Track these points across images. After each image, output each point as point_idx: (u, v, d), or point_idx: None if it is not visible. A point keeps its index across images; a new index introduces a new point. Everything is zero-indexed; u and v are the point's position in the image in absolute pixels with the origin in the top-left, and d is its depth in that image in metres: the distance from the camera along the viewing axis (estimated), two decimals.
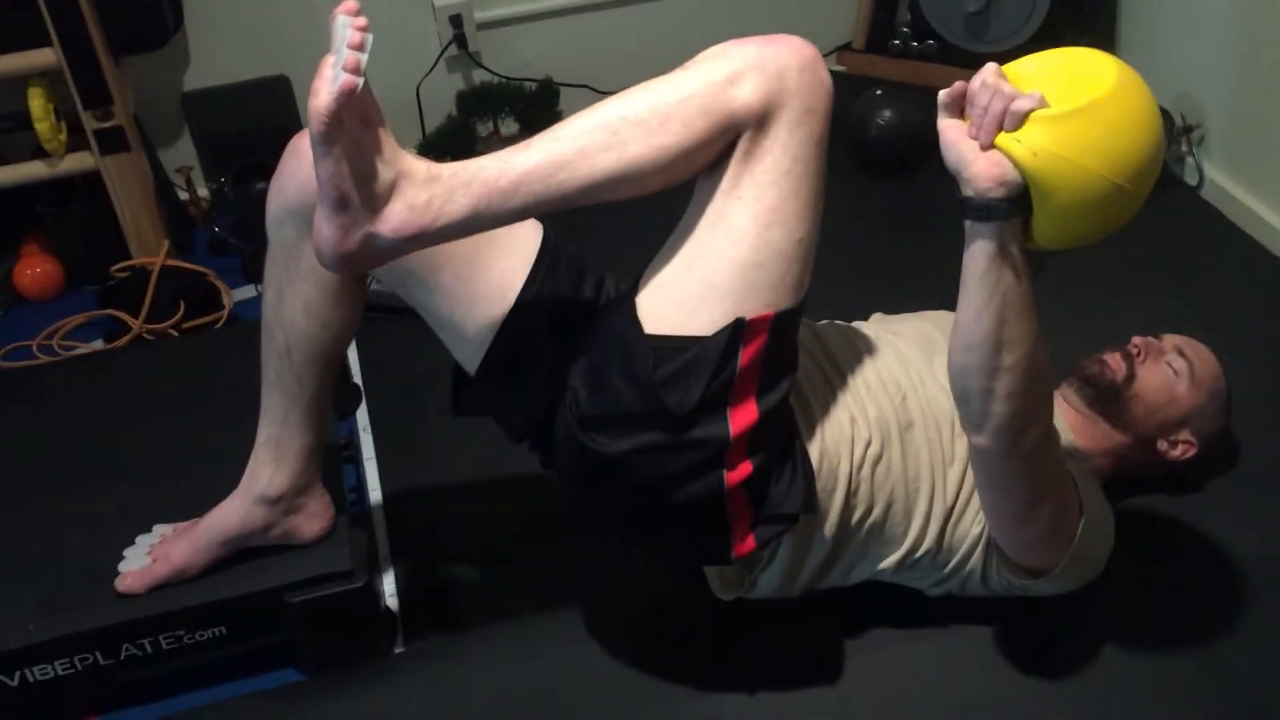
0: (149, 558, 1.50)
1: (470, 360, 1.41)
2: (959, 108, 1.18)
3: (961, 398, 1.29)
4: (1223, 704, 1.46)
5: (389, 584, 1.70)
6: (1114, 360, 1.65)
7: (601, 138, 1.18)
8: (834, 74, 2.91)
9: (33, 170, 2.29)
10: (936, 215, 2.51)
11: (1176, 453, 1.66)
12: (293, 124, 2.65)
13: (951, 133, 1.17)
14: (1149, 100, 1.16)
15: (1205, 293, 2.19)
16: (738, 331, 1.26)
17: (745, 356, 1.27)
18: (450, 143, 2.67)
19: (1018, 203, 1.15)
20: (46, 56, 2.16)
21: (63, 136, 2.25)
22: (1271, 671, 1.49)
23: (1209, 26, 2.40)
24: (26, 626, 1.45)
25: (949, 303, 1.83)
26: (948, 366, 1.30)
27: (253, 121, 2.61)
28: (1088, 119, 1.11)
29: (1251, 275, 2.25)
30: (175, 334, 2.22)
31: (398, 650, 1.60)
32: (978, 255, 1.18)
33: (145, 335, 2.21)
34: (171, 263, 2.34)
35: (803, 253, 1.28)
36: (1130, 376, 1.63)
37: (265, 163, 2.45)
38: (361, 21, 1.09)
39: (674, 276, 1.28)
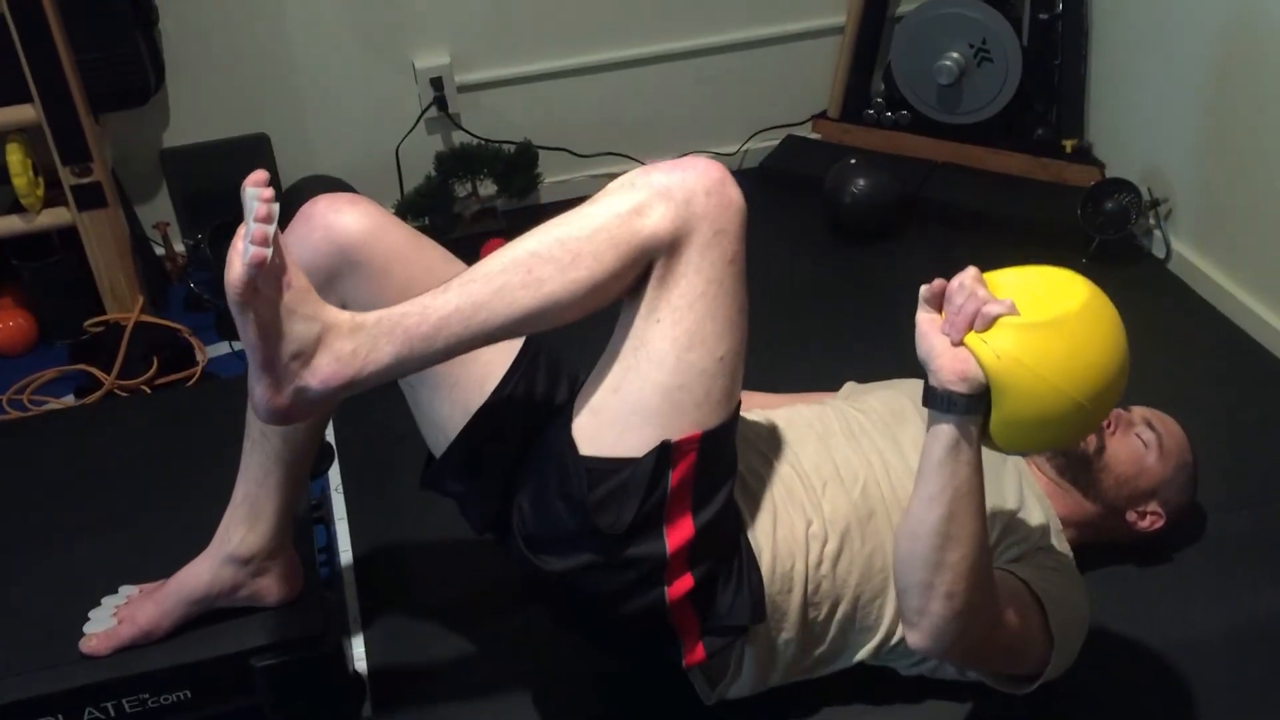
0: (114, 619, 1.48)
1: (437, 445, 1.45)
2: (938, 303, 1.23)
3: (902, 588, 1.30)
4: None
5: (358, 647, 1.68)
6: None
7: (516, 277, 1.20)
8: (809, 141, 3.00)
9: (8, 224, 2.28)
10: (909, 282, 2.53)
11: (1145, 524, 1.67)
12: (272, 183, 2.66)
13: (925, 325, 1.22)
14: (1116, 327, 1.22)
15: (1171, 365, 2.21)
16: (665, 454, 1.29)
17: (675, 477, 1.30)
18: (428, 203, 2.68)
19: (978, 400, 1.18)
20: (26, 113, 2.16)
21: (40, 191, 2.25)
22: None
23: (1177, 101, 2.45)
24: None
25: (921, 370, 1.86)
26: (893, 553, 1.31)
27: (231, 179, 2.55)
28: (1052, 332, 1.17)
29: (1217, 348, 2.28)
30: (148, 390, 2.21)
31: (366, 715, 1.59)
32: (935, 444, 1.22)
33: (117, 391, 2.20)
34: (146, 319, 2.34)
35: (726, 369, 1.30)
36: (1100, 447, 1.65)
37: (242, 221, 2.46)
38: (267, 194, 1.12)
39: (603, 399, 1.31)
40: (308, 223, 1.39)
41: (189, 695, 1.48)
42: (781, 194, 2.88)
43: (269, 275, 1.14)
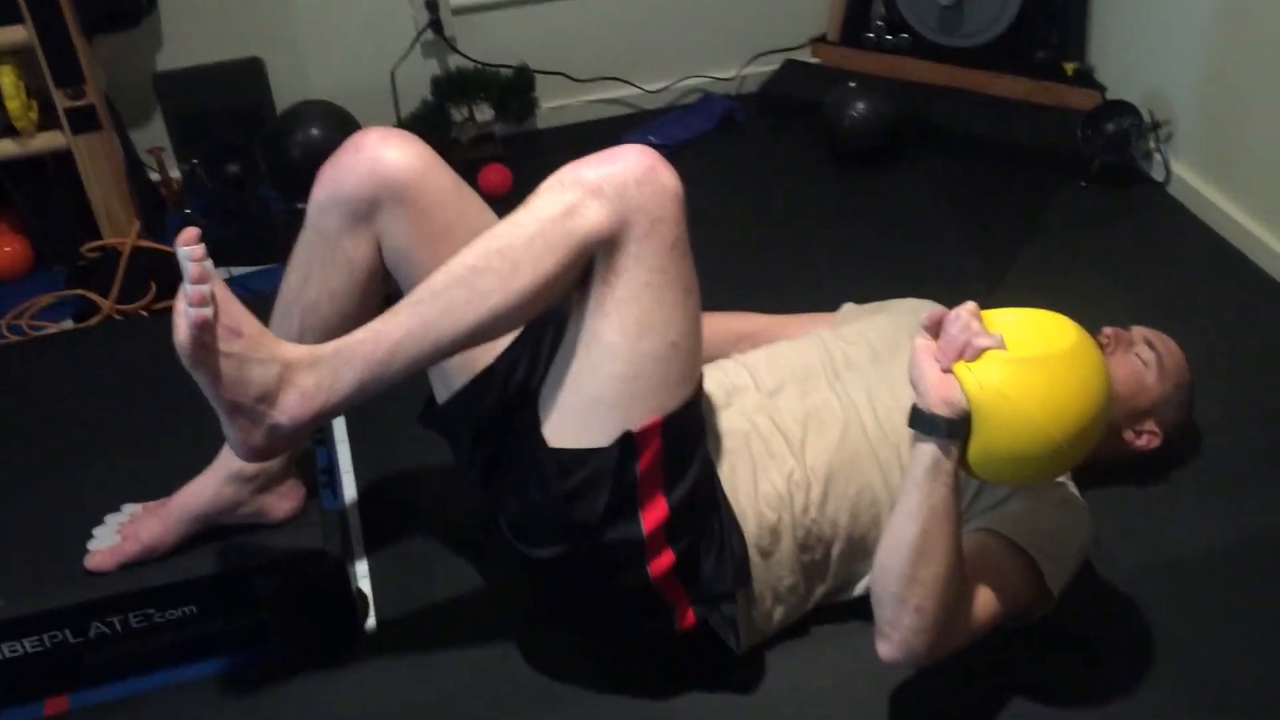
0: (118, 536, 1.50)
1: (439, 392, 1.48)
2: (935, 331, 1.28)
3: (876, 600, 1.33)
4: (1186, 690, 1.48)
5: (362, 565, 1.70)
6: None
7: (460, 293, 1.22)
8: (808, 66, 2.97)
9: (2, 148, 2.26)
10: (908, 205, 2.53)
11: (1142, 442, 1.68)
12: (266, 107, 2.65)
13: (920, 351, 1.27)
14: (1099, 373, 1.26)
15: (1170, 286, 2.22)
16: (628, 444, 1.30)
17: (643, 463, 1.32)
18: (425, 126, 2.66)
19: (959, 426, 1.23)
20: (18, 34, 2.14)
21: (33, 115, 2.23)
22: (1234, 657, 1.52)
23: (1180, 24, 2.42)
24: None
25: (921, 290, 1.87)
26: (873, 566, 1.34)
27: (225, 103, 2.60)
28: (1036, 368, 1.22)
29: (1216, 270, 2.28)
30: (145, 314, 2.21)
31: (369, 630, 1.61)
32: (917, 463, 1.26)
33: (115, 315, 2.20)
34: (142, 243, 2.33)
35: (680, 353, 1.31)
36: None
37: (238, 144, 2.45)
38: (198, 252, 1.14)
39: (565, 394, 1.32)
40: (356, 153, 1.39)
41: (194, 610, 1.49)
42: (780, 119, 2.86)
43: (217, 329, 1.16)
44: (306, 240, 1.43)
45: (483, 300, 1.22)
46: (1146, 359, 1.67)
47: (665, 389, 1.31)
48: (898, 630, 1.30)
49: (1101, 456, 1.70)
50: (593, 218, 1.23)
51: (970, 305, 1.27)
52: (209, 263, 1.15)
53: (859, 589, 1.54)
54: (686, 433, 1.37)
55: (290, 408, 1.22)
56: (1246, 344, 2.07)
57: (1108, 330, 1.70)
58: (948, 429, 1.23)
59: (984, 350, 1.23)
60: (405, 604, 1.64)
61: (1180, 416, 1.72)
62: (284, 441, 1.26)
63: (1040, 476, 1.32)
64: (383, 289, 1.45)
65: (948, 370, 1.24)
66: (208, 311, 1.14)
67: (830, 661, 1.53)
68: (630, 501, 1.33)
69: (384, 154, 1.38)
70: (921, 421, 1.25)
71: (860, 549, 1.50)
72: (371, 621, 1.62)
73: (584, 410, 1.32)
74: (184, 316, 1.15)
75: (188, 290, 1.14)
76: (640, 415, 1.31)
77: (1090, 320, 1.75)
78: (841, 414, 1.51)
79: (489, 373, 1.43)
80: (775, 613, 1.51)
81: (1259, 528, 1.70)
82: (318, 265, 1.42)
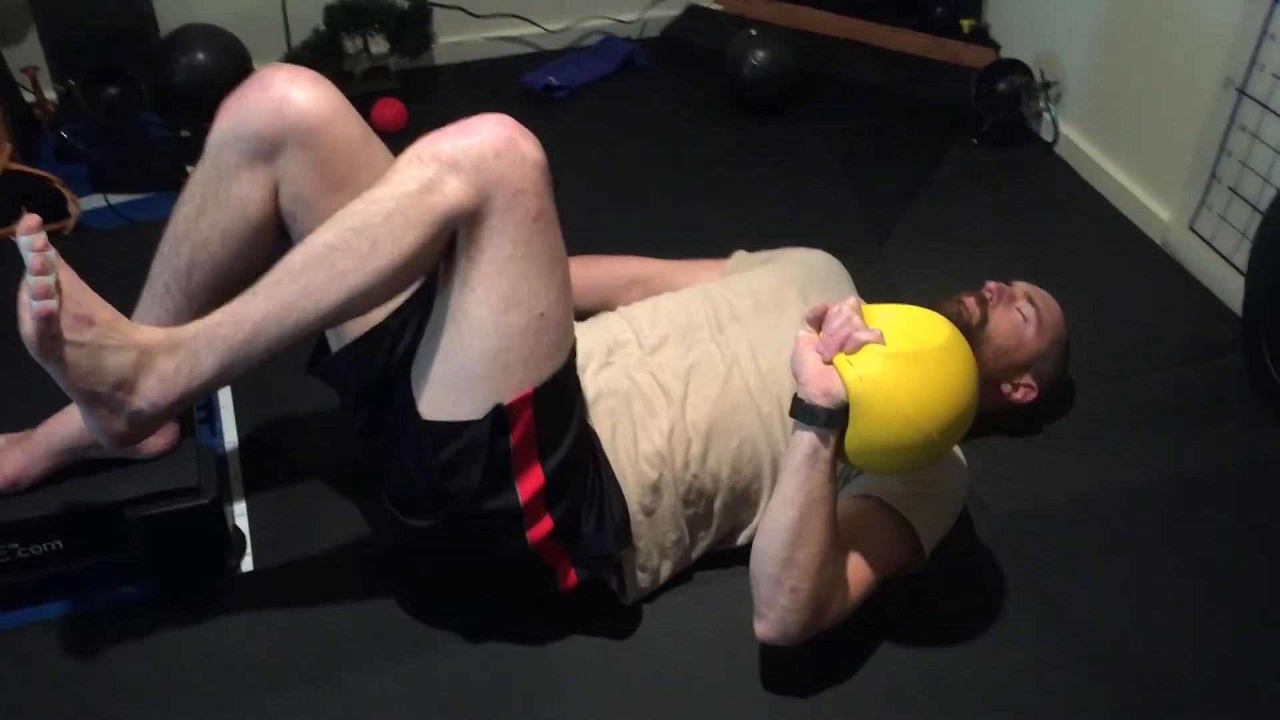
0: None
1: (333, 340, 1.46)
2: (818, 324, 1.31)
3: (754, 579, 1.36)
4: (1046, 629, 1.53)
5: (239, 506, 1.66)
6: (970, 303, 1.70)
7: (320, 273, 1.20)
8: (711, 11, 2.95)
9: None
10: (804, 154, 2.55)
11: (1018, 395, 1.72)
12: (149, 28, 2.55)
13: (802, 342, 1.30)
14: (969, 369, 1.31)
15: (1053, 244, 2.28)
16: (500, 417, 1.30)
17: (515, 435, 1.31)
18: (316, 56, 2.59)
19: (837, 415, 1.27)
20: None
21: None
22: (1091, 599, 1.57)
23: None
24: None
25: (814, 240, 1.88)
26: (752, 548, 1.36)
27: (106, 23, 2.49)
28: (911, 363, 1.26)
29: (1097, 229, 2.34)
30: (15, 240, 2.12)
31: (245, 570, 1.58)
32: (796, 451, 1.30)
33: None
34: (14, 167, 2.23)
35: (549, 324, 1.30)
36: (983, 320, 1.68)
37: (118, 67, 2.35)
38: (40, 242, 1.10)
39: (436, 368, 1.31)
40: (264, 90, 1.35)
41: (59, 546, 1.45)
42: (681, 64, 2.85)
43: (66, 320, 1.13)
44: (203, 174, 1.38)
45: (343, 280, 1.20)
46: (1027, 314, 1.70)
47: (535, 360, 1.31)
48: (774, 610, 1.34)
49: (979, 409, 1.75)
50: (451, 193, 1.21)
51: (852, 300, 1.29)
52: (51, 252, 1.11)
53: (742, 539, 1.56)
54: (560, 400, 1.37)
55: (150, 393, 1.19)
56: (1120, 301, 2.13)
57: (991, 285, 1.73)
58: (826, 419, 1.26)
59: (864, 344, 1.26)
60: (283, 547, 1.61)
61: (1056, 372, 1.76)
62: (148, 427, 1.23)
63: (912, 466, 1.35)
64: (277, 233, 1.41)
65: (829, 362, 1.27)
66: (52, 304, 1.11)
67: (712, 608, 1.54)
68: (505, 472, 1.33)
69: (292, 94, 1.34)
70: (801, 411, 1.28)
71: (743, 500, 1.52)
72: (248, 563, 1.59)
73: (455, 383, 1.30)
74: (27, 309, 1.10)
75: (30, 282, 1.10)
76: (511, 387, 1.30)
77: (974, 274, 1.79)
78: (723, 367, 1.52)
79: (379, 330, 1.40)
80: (662, 568, 1.52)
81: (1121, 479, 1.76)
82: (212, 201, 1.37)
